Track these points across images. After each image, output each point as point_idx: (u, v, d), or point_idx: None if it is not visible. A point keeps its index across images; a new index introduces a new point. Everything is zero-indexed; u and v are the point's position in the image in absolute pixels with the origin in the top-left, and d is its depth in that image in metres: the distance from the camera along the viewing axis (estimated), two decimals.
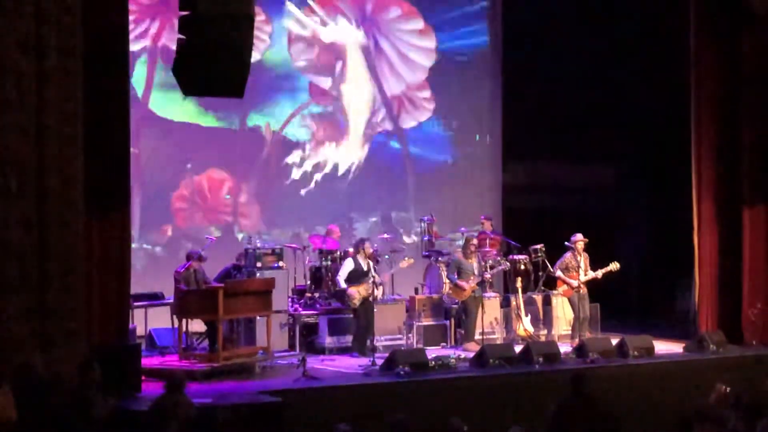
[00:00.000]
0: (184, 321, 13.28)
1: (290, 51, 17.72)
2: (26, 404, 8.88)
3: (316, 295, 15.25)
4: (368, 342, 14.19)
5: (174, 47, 10.95)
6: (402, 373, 12.46)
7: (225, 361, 12.90)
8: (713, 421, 8.32)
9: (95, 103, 11.32)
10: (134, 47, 15.20)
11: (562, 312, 15.67)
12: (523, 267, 15.81)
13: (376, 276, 14.56)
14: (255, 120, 17.36)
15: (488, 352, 13.20)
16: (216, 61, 10.72)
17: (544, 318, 15.74)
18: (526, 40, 18.76)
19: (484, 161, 19.09)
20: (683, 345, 14.74)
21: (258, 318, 13.84)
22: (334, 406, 11.33)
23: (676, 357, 14.30)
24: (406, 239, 18.03)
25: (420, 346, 14.51)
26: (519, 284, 15.31)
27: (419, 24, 18.65)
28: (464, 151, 18.96)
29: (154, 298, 14.76)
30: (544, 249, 15.89)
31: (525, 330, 15.15)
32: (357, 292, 14.30)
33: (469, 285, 14.82)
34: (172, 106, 16.47)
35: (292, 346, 14.57)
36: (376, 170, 18.31)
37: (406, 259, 15.42)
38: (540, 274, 15.89)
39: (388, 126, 18.49)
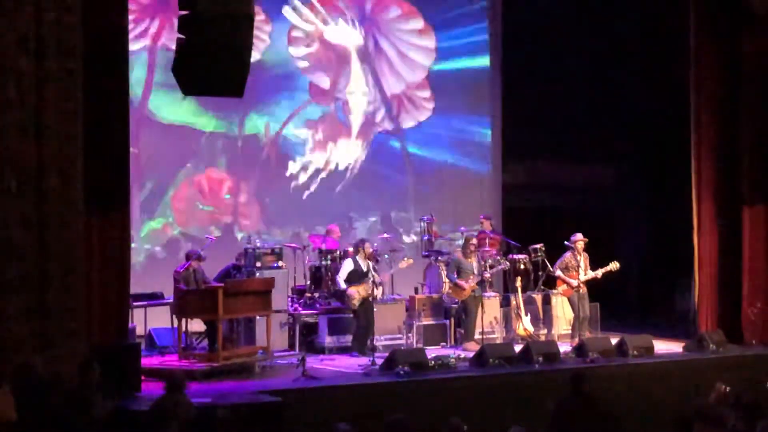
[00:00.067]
0: (183, 321, 13.28)
1: (290, 51, 17.72)
2: (26, 404, 8.88)
3: (316, 294, 15.25)
4: (368, 342, 14.19)
5: (174, 47, 10.97)
6: (402, 372, 12.46)
7: (225, 361, 12.90)
8: (713, 421, 8.32)
9: (95, 102, 11.31)
10: (134, 47, 15.19)
11: (562, 311, 15.67)
12: (522, 266, 15.81)
13: (376, 276, 14.57)
14: (254, 120, 17.35)
15: (488, 352, 13.20)
16: (216, 60, 10.72)
17: (543, 317, 15.75)
18: (525, 40, 18.76)
19: (483, 161, 19.09)
20: (683, 344, 14.74)
21: (258, 318, 13.84)
22: (333, 406, 11.33)
23: (676, 356, 14.30)
24: (405, 239, 18.03)
25: (420, 345, 14.51)
26: (519, 284, 15.32)
27: (419, 24, 18.65)
28: (464, 151, 18.95)
29: (153, 298, 14.76)
30: (543, 248, 15.89)
31: (525, 329, 15.15)
32: (357, 293, 14.31)
33: (468, 284, 14.82)
34: (172, 106, 16.46)
35: (291, 346, 14.57)
36: (376, 170, 18.31)
37: (406, 259, 15.43)
38: (540, 273, 15.89)
39: (387, 125, 18.49)
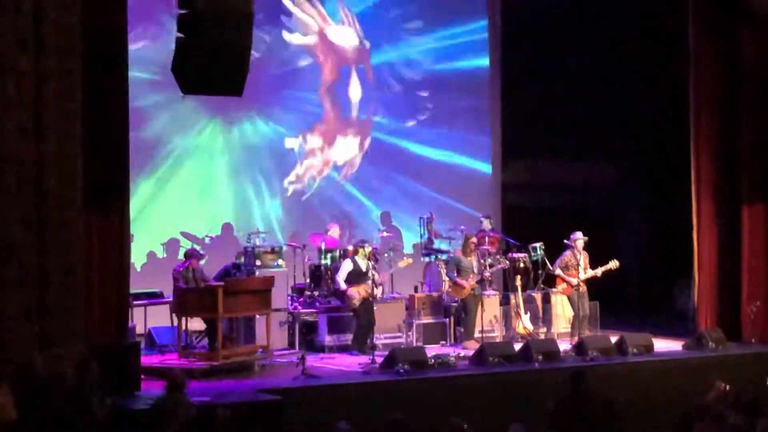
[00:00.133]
0: (183, 319, 13.29)
1: (289, 49, 17.71)
2: (26, 403, 8.88)
3: (316, 293, 15.26)
4: (368, 340, 14.20)
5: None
6: (401, 371, 12.47)
7: (224, 360, 12.91)
8: (713, 419, 8.32)
9: (94, 102, 11.32)
10: (134, 45, 15.18)
11: (562, 310, 15.68)
12: (522, 265, 15.82)
13: (376, 276, 14.58)
14: (254, 118, 17.35)
15: (488, 350, 13.21)
16: (215, 59, 10.73)
17: (543, 316, 15.75)
18: (525, 39, 18.77)
19: (483, 160, 19.09)
20: (682, 343, 14.75)
21: (257, 316, 13.85)
22: (333, 405, 11.33)
23: (676, 355, 14.30)
24: (405, 237, 18.02)
25: (419, 344, 14.51)
26: (518, 282, 15.32)
27: (418, 23, 18.64)
28: (463, 150, 18.95)
29: (153, 297, 14.76)
30: (543, 247, 15.90)
31: (524, 328, 15.16)
32: (357, 293, 14.32)
33: (468, 283, 14.83)
34: (172, 104, 16.44)
35: (291, 345, 14.58)
36: (376, 169, 18.31)
37: (405, 258, 15.44)
38: (539, 272, 15.90)
39: (387, 125, 18.48)
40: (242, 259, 14.79)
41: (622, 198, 20.46)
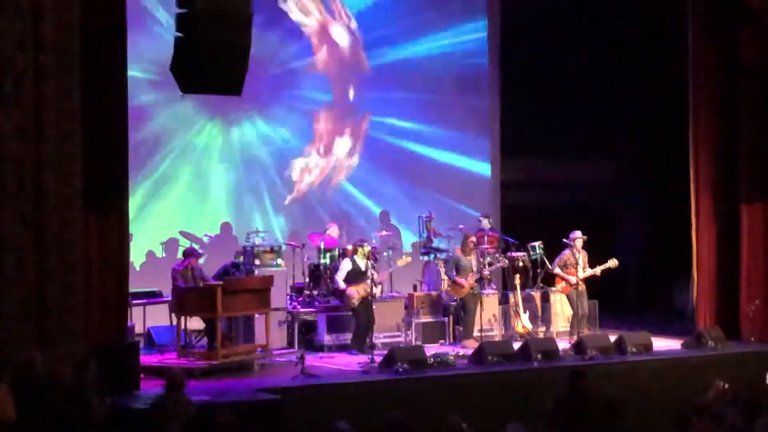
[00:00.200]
0: (182, 319, 13.29)
1: (288, 48, 17.71)
2: (26, 403, 8.88)
3: (315, 292, 15.27)
4: (367, 339, 14.20)
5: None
6: (401, 370, 12.47)
7: (224, 359, 12.90)
8: (712, 418, 8.34)
9: (94, 101, 11.32)
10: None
11: (561, 309, 15.68)
12: (521, 264, 15.81)
13: (375, 275, 14.58)
14: (253, 118, 17.35)
15: (487, 349, 13.21)
16: (214, 59, 10.73)
17: (542, 315, 15.75)
18: (525, 37, 18.77)
19: (482, 158, 19.09)
20: (682, 342, 14.75)
21: (256, 316, 13.85)
22: (332, 404, 11.32)
23: (675, 353, 14.31)
24: (404, 236, 18.02)
25: (419, 343, 14.52)
26: (517, 281, 15.32)
27: (418, 22, 18.63)
28: (463, 149, 18.95)
29: (152, 296, 14.76)
30: (542, 246, 15.90)
31: (523, 327, 15.16)
32: (356, 292, 14.32)
33: (467, 282, 14.83)
34: (171, 103, 16.45)
35: (290, 344, 14.58)
36: (375, 168, 18.31)
37: (403, 258, 15.44)
38: (538, 271, 15.90)
39: (386, 123, 18.48)
40: (241, 259, 14.79)
41: (622, 197, 20.48)
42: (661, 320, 17.33)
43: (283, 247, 15.38)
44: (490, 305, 15.28)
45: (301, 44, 17.81)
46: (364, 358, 13.38)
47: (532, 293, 15.75)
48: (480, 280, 15.05)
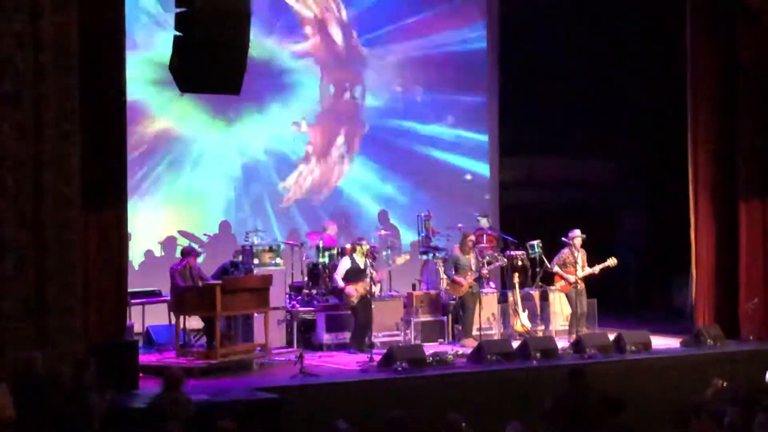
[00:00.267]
0: (181, 318, 13.28)
1: (287, 47, 17.70)
2: (26, 403, 8.88)
3: (314, 291, 15.26)
4: (366, 338, 14.20)
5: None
6: (400, 369, 12.48)
7: (222, 358, 12.90)
8: (710, 416, 8.33)
9: (92, 100, 11.32)
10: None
11: (560, 307, 15.68)
12: (520, 263, 15.82)
13: (374, 273, 14.58)
14: (252, 117, 17.34)
15: (486, 348, 13.22)
16: (213, 58, 10.73)
17: (541, 313, 15.75)
18: (523, 35, 18.76)
19: (481, 157, 19.08)
20: (680, 340, 14.76)
21: (255, 315, 13.84)
22: (331, 403, 11.33)
23: (673, 352, 14.32)
24: (402, 235, 18.01)
25: (418, 342, 14.52)
26: (516, 280, 15.32)
27: (416, 21, 18.62)
28: (461, 147, 18.94)
29: (151, 296, 14.76)
30: (541, 245, 15.90)
31: (522, 325, 15.17)
32: (355, 290, 14.32)
33: (466, 281, 14.83)
34: (169, 102, 16.45)
35: (289, 343, 14.57)
36: (373, 166, 18.30)
37: (402, 255, 15.43)
38: (537, 269, 15.90)
39: (384, 122, 18.47)
40: (240, 258, 14.78)
41: (620, 196, 20.47)
42: (660, 319, 17.33)
43: (282, 246, 15.37)
44: (489, 304, 15.27)
45: (298, 40, 17.80)
46: (363, 357, 13.39)
47: (531, 292, 15.75)
48: (479, 279, 15.05)
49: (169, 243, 16.46)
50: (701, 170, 15.37)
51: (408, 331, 14.93)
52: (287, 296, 15.06)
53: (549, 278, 15.75)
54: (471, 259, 15.00)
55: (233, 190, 17.20)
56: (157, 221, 16.56)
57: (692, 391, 10.50)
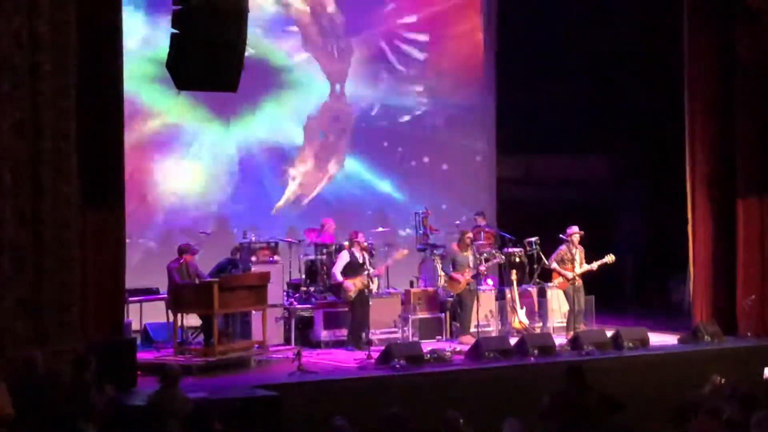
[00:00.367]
0: (179, 315, 13.28)
1: (284, 45, 17.71)
2: (26, 401, 8.88)
3: (312, 289, 15.26)
4: (363, 335, 14.21)
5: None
6: (397, 366, 12.49)
7: (220, 356, 12.90)
8: (708, 413, 8.33)
9: (90, 99, 11.32)
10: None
11: (557, 304, 15.68)
12: (518, 260, 15.83)
13: (371, 270, 14.58)
14: (250, 115, 17.34)
15: (483, 345, 13.22)
16: (210, 55, 10.71)
17: (539, 310, 15.76)
18: (521, 32, 18.75)
19: (478, 154, 19.09)
20: (678, 337, 14.76)
21: (253, 312, 13.84)
22: (329, 400, 11.33)
23: (671, 348, 14.33)
24: (401, 232, 18.02)
25: (415, 339, 14.52)
26: (514, 277, 15.33)
27: (413, 17, 18.63)
28: (459, 145, 18.95)
29: (149, 293, 14.76)
30: (539, 242, 15.91)
31: (520, 322, 15.16)
32: (353, 285, 14.31)
33: (464, 278, 14.83)
34: (166, 100, 16.45)
35: (287, 340, 14.57)
36: (370, 164, 18.31)
37: (401, 250, 15.44)
38: (535, 266, 15.91)
39: (382, 120, 18.47)
40: (238, 255, 14.77)
41: (618, 193, 20.48)
42: (658, 316, 17.32)
43: (280, 244, 15.37)
44: (486, 301, 15.27)
45: (296, 38, 17.79)
46: (360, 355, 13.40)
47: (529, 289, 15.76)
48: (476, 276, 15.05)
49: (166, 240, 16.46)
50: (699, 168, 15.37)
51: (406, 328, 14.93)
52: (285, 293, 15.06)
53: (547, 275, 15.75)
54: (469, 256, 15.01)
55: (230, 187, 17.20)
56: (155, 219, 16.55)
57: (690, 388, 10.51)
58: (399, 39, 18.53)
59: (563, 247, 15.19)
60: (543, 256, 15.65)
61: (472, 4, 19.06)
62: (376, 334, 14.58)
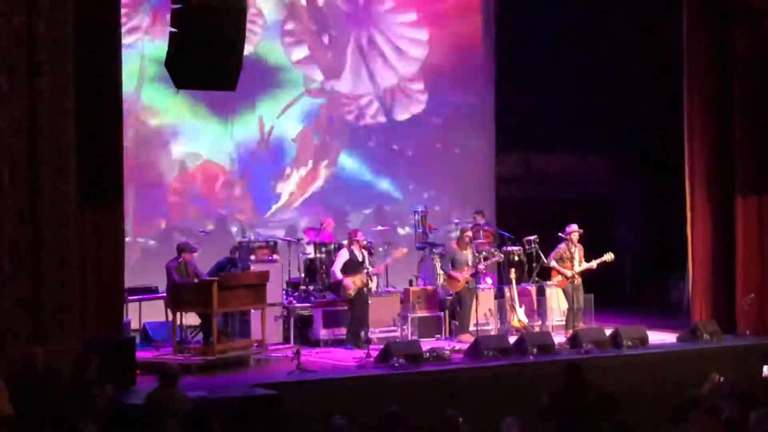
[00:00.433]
0: (178, 314, 13.28)
1: (283, 44, 17.70)
2: (27, 400, 8.88)
3: (311, 287, 15.26)
4: (362, 334, 14.20)
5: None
6: (396, 365, 12.48)
7: (220, 355, 12.89)
8: (707, 411, 8.33)
9: (88, 97, 11.31)
10: (127, 40, 15.19)
11: (556, 303, 15.67)
12: (517, 258, 15.82)
13: (370, 268, 14.58)
14: (248, 113, 17.34)
15: (482, 344, 13.22)
16: (209, 54, 10.71)
17: (538, 309, 15.76)
18: (520, 31, 18.75)
19: (477, 152, 19.09)
20: (677, 335, 14.76)
21: (252, 311, 13.84)
22: (328, 399, 11.33)
23: (670, 347, 14.33)
24: (399, 231, 18.03)
25: (414, 337, 14.51)
26: (513, 275, 15.32)
27: (412, 16, 18.63)
28: (457, 143, 18.96)
29: (148, 292, 14.75)
30: (538, 240, 15.91)
31: (519, 321, 15.16)
32: (353, 283, 14.31)
33: (463, 276, 14.83)
34: (165, 99, 16.46)
35: (286, 339, 14.57)
36: (370, 162, 18.31)
37: (400, 249, 15.44)
38: (534, 265, 15.91)
39: (381, 118, 18.48)
40: (237, 254, 14.77)
41: (617, 191, 20.48)
42: (657, 314, 17.33)
43: (279, 242, 15.37)
44: (485, 299, 15.27)
45: (294, 36, 17.79)
46: (360, 353, 13.39)
47: (528, 287, 15.76)
48: (475, 275, 15.05)
49: (165, 239, 16.46)
50: (698, 166, 15.37)
51: (405, 327, 14.93)
52: (284, 292, 15.06)
53: (546, 273, 15.75)
54: (468, 254, 15.01)
55: (230, 186, 17.21)
56: (153, 217, 16.55)
57: (689, 387, 10.51)
58: (398, 37, 18.52)
59: (562, 246, 15.19)
60: (542, 255, 15.65)
61: (472, 2, 19.05)
62: (375, 333, 14.59)
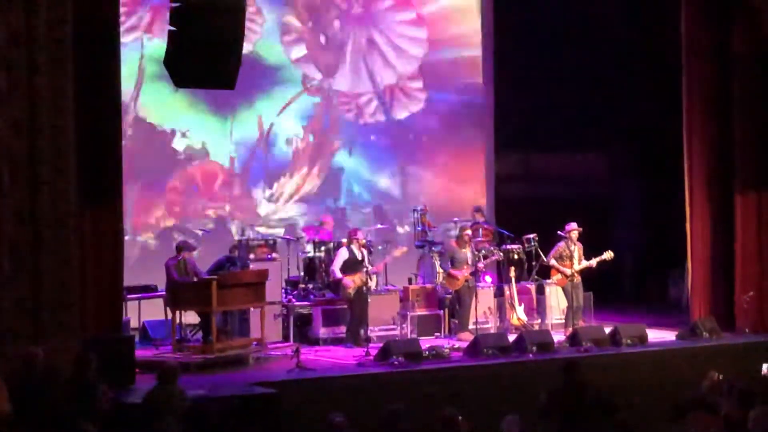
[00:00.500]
0: (177, 313, 13.28)
1: (282, 42, 17.70)
2: (27, 399, 8.88)
3: (310, 286, 15.26)
4: (362, 332, 14.21)
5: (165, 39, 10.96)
6: (396, 363, 12.48)
7: (219, 353, 12.89)
8: (706, 409, 8.35)
9: (87, 95, 11.32)
10: (126, 39, 15.19)
11: (556, 301, 15.67)
12: (516, 256, 15.82)
13: (369, 267, 14.58)
14: (247, 112, 17.33)
15: (482, 342, 13.22)
16: (207, 52, 10.72)
17: (537, 307, 15.76)
18: (519, 31, 18.75)
19: (476, 151, 19.08)
20: (676, 333, 14.77)
21: (252, 309, 13.84)
22: (328, 397, 11.33)
23: (669, 345, 14.33)
24: (399, 229, 18.03)
25: (414, 336, 14.51)
26: (512, 274, 15.32)
27: (411, 14, 18.63)
28: (457, 141, 18.95)
29: (147, 291, 14.75)
30: (537, 238, 15.91)
31: (518, 319, 15.16)
32: (352, 281, 14.30)
33: (462, 274, 14.84)
34: (164, 98, 16.46)
35: (286, 338, 14.56)
36: (368, 161, 18.31)
37: (399, 247, 15.43)
38: (533, 263, 15.91)
39: (380, 117, 18.47)
40: (236, 253, 14.77)
41: (617, 190, 20.48)
42: (656, 312, 17.33)
43: (278, 241, 15.37)
44: (485, 298, 15.27)
45: (293, 35, 17.79)
46: (359, 352, 13.39)
47: (528, 286, 15.76)
48: (475, 273, 15.05)
49: (164, 238, 16.46)
50: (697, 164, 15.38)
51: (404, 325, 14.93)
52: (283, 291, 15.06)
53: (545, 272, 15.74)
54: (467, 253, 15.00)
55: (229, 184, 17.20)
56: (152, 216, 16.55)
57: (688, 384, 10.51)
58: (397, 35, 18.52)
59: (562, 244, 15.19)
60: (541, 253, 15.65)
61: (471, 1, 19.04)
62: (374, 331, 14.58)
